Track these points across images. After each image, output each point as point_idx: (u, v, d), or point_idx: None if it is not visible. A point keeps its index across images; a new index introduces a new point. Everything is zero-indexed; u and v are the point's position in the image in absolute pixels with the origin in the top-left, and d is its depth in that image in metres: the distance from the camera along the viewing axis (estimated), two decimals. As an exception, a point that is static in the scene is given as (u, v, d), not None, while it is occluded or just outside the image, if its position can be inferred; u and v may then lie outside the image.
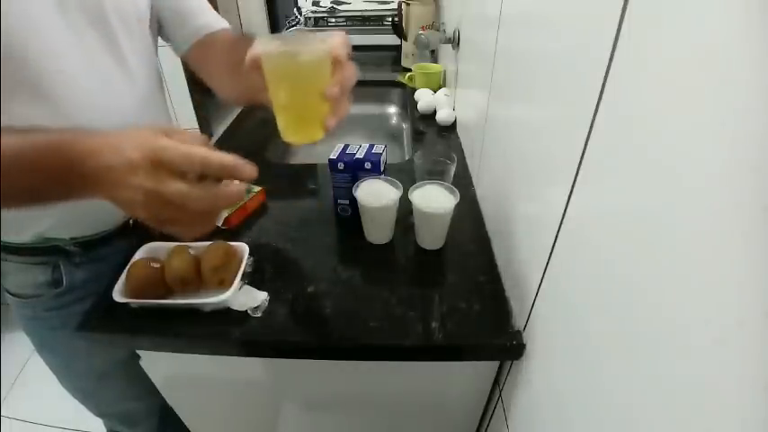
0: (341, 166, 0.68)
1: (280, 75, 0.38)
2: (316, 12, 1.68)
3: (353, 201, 0.71)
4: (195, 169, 0.35)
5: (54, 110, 0.51)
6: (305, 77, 0.39)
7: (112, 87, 0.57)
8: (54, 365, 0.72)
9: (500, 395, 0.63)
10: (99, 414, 0.81)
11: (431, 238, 0.66)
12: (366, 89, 1.34)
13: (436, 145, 0.99)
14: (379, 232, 0.67)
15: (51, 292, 0.63)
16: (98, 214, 0.64)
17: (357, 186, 0.64)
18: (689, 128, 0.24)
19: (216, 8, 0.71)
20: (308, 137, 0.41)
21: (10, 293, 0.65)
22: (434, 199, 0.63)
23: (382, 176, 0.67)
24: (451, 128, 1.03)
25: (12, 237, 0.60)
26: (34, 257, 0.61)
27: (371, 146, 0.70)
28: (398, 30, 1.39)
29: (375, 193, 0.64)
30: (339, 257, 0.67)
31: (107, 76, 0.56)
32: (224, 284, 0.55)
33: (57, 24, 0.49)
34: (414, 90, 1.17)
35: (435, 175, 0.71)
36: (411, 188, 0.65)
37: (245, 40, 0.59)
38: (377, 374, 0.64)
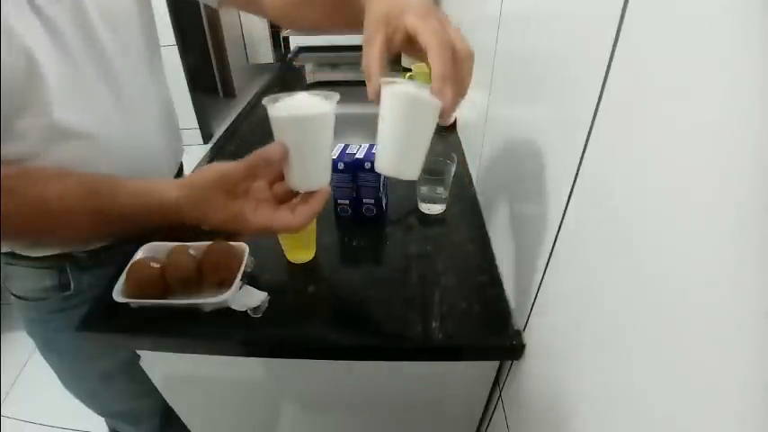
0: (341, 166, 0.68)
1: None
2: (316, 12, 1.68)
3: (354, 201, 0.71)
4: (252, 174, 0.43)
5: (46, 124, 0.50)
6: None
7: (100, 107, 0.55)
8: (58, 367, 0.71)
9: (500, 395, 0.63)
10: (102, 413, 0.81)
11: (404, 153, 0.43)
12: (366, 89, 1.33)
13: (436, 145, 0.98)
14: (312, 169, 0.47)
15: (58, 296, 0.63)
16: None
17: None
18: (689, 127, 0.24)
19: (216, 9, 0.69)
20: (303, 258, 0.53)
21: (15, 296, 0.65)
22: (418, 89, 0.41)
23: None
24: (451, 128, 1.03)
25: (27, 253, 0.60)
26: (41, 262, 0.61)
27: (372, 146, 0.70)
28: (398, 30, 1.39)
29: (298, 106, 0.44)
30: (339, 257, 0.67)
31: (96, 95, 0.55)
32: (224, 284, 0.55)
33: (47, 47, 0.48)
34: (414, 90, 1.17)
35: (435, 174, 0.71)
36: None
37: None
38: (377, 374, 0.64)
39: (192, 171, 0.45)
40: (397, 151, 0.43)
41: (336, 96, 0.43)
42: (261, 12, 0.66)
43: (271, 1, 0.64)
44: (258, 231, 0.43)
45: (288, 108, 0.42)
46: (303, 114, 0.42)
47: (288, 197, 0.46)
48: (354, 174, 0.68)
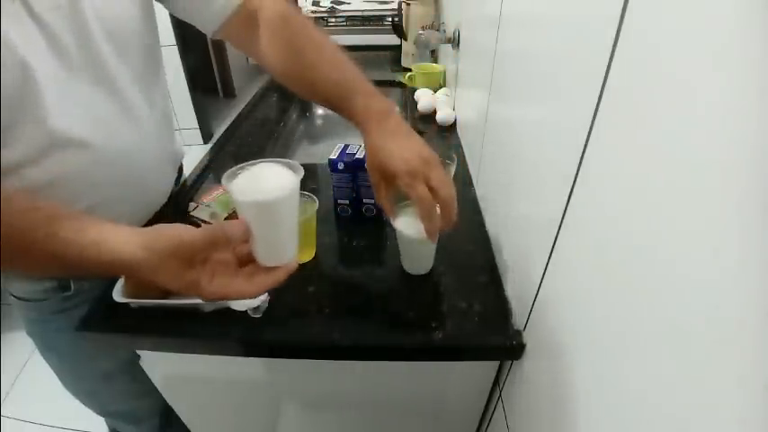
0: (341, 166, 0.68)
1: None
2: (316, 12, 1.68)
3: (354, 201, 0.71)
4: (211, 248, 0.42)
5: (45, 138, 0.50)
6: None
7: (98, 114, 0.56)
8: (58, 367, 0.71)
9: (500, 395, 0.63)
10: (102, 413, 0.81)
11: (416, 263, 0.61)
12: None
13: (436, 145, 0.99)
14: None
15: (58, 296, 0.63)
16: None
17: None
18: (689, 127, 0.24)
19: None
20: (303, 258, 0.50)
21: (14, 297, 0.65)
22: (419, 221, 0.54)
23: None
24: (451, 128, 1.03)
25: None
26: None
27: None
28: (398, 30, 1.39)
29: None
30: (339, 257, 0.67)
31: (93, 102, 0.55)
32: (224, 284, 0.55)
33: (50, 65, 0.49)
34: (414, 90, 1.18)
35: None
36: (395, 209, 0.58)
37: (293, 21, 0.61)
38: (377, 374, 0.64)
39: (155, 227, 0.43)
40: (410, 260, 0.62)
41: (301, 170, 0.43)
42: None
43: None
44: (213, 299, 0.43)
45: (249, 191, 0.41)
46: (264, 200, 0.41)
47: (251, 258, 0.46)
48: (354, 174, 0.68)
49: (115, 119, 0.57)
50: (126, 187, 0.61)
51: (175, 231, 0.42)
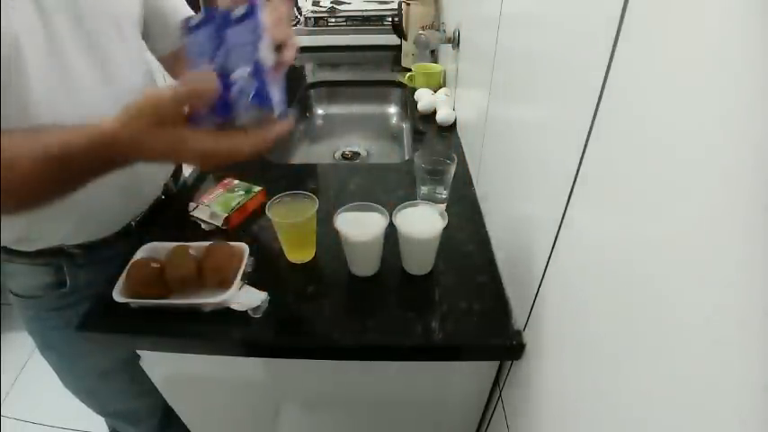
0: (198, 18, 0.44)
1: (282, 231, 0.63)
2: (316, 12, 1.68)
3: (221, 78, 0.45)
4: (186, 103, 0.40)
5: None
6: (299, 232, 0.63)
7: (88, 97, 0.55)
8: (57, 365, 0.71)
9: (500, 395, 0.63)
10: (102, 413, 0.81)
11: (416, 263, 0.62)
12: (366, 89, 1.33)
13: (436, 145, 0.99)
14: (365, 264, 0.63)
15: (55, 293, 0.63)
16: (102, 219, 0.64)
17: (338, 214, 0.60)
18: (689, 128, 0.24)
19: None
20: (303, 258, 0.65)
21: (13, 293, 0.65)
22: (420, 222, 0.59)
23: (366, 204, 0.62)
24: (451, 128, 1.03)
25: (22, 247, 0.60)
26: (37, 259, 0.61)
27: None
28: (398, 30, 1.39)
29: (359, 224, 0.59)
30: (339, 257, 0.67)
31: (83, 85, 0.54)
32: (224, 284, 0.55)
33: (37, 36, 0.48)
34: (414, 90, 1.17)
35: (435, 174, 0.71)
36: (396, 209, 0.60)
37: None
38: (377, 374, 0.64)
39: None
40: (410, 260, 0.62)
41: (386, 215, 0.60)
42: None
43: None
44: (202, 157, 0.39)
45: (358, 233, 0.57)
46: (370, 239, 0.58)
47: None
48: (220, 29, 0.43)
49: (105, 98, 0.56)
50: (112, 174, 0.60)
51: (146, 92, 0.40)
